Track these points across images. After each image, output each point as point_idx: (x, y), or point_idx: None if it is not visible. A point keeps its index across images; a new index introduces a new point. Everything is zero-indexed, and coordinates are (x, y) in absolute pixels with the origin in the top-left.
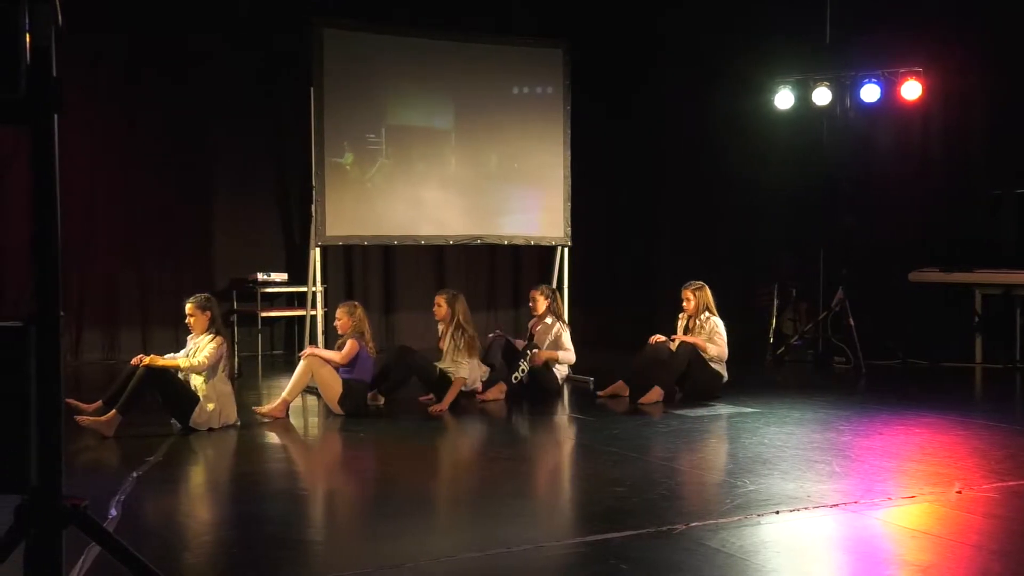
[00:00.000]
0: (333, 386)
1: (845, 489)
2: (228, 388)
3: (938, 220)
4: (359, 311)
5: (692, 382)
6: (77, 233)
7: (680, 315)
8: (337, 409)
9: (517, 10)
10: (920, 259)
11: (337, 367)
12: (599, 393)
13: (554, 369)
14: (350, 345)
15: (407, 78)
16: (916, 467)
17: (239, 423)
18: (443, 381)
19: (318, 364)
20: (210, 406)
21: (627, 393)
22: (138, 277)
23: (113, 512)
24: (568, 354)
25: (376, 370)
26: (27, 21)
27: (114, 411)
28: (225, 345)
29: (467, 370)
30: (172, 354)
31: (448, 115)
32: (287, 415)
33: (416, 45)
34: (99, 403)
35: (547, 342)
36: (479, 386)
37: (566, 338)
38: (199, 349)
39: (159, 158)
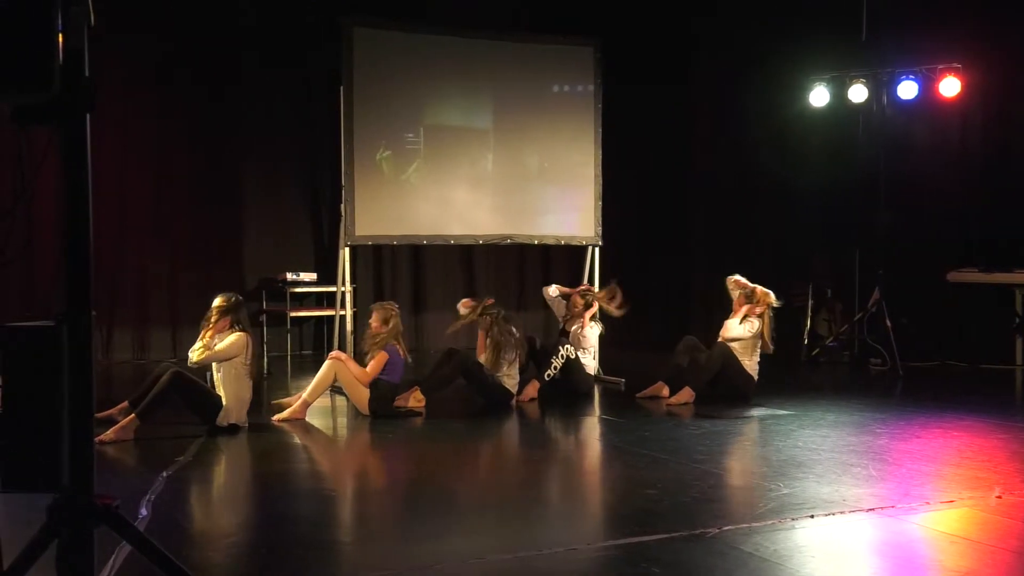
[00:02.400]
0: (360, 388)
1: (882, 493)
2: (240, 386)
3: (977, 219)
4: (395, 319)
5: (723, 382)
6: (108, 233)
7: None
8: (365, 410)
9: (547, 7)
10: (959, 259)
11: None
12: (638, 395)
13: (586, 368)
14: (376, 361)
15: (440, 77)
16: (955, 471)
17: (246, 424)
18: (487, 383)
19: (343, 367)
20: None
21: (667, 393)
22: (168, 277)
23: (143, 512)
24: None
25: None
26: (60, 21)
27: (133, 415)
28: (250, 341)
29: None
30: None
31: (482, 114)
32: (305, 416)
33: (446, 43)
34: (125, 404)
35: (578, 337)
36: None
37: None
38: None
39: (189, 158)
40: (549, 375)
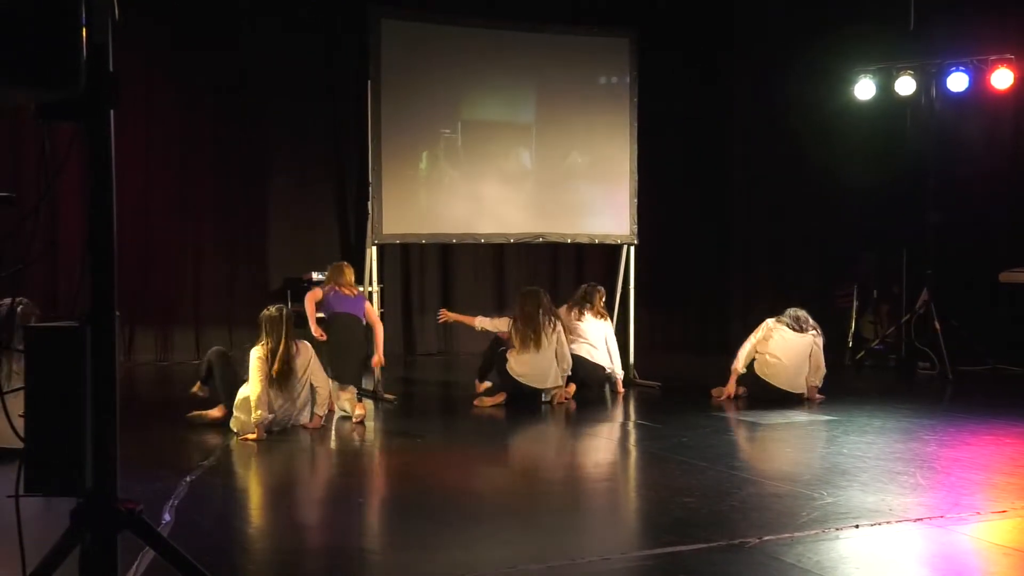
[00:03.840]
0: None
1: (930, 502)
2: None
3: None
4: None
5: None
6: (131, 232)
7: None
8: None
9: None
10: (1011, 258)
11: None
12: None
13: (590, 359)
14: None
15: (472, 70)
16: (1007, 480)
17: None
18: (511, 380)
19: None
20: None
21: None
22: (192, 276)
23: (167, 517)
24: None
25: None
26: (84, 16)
27: (221, 406)
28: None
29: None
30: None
31: (524, 108)
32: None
33: (476, 35)
34: (221, 407)
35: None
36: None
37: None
38: (312, 374)
39: (214, 156)
40: None
